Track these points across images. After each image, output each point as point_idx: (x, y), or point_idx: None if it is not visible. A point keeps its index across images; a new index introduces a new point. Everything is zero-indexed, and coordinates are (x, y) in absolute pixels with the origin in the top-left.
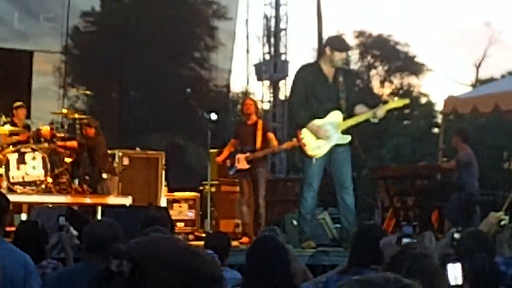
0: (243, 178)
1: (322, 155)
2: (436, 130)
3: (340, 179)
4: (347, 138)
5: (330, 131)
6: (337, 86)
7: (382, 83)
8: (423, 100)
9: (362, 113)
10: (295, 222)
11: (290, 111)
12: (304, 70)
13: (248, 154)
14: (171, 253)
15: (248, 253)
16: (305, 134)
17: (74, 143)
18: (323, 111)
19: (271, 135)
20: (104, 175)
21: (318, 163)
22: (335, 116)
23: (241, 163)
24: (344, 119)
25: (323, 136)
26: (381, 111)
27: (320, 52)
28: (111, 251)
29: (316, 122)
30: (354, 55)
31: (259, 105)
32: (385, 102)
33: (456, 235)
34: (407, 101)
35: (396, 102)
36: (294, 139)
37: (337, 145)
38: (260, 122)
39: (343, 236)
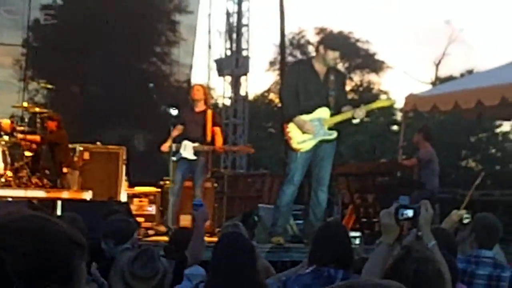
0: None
1: (307, 150)
2: (395, 127)
3: (319, 175)
4: (334, 134)
5: (317, 126)
6: (328, 84)
7: None
8: (383, 97)
9: (347, 111)
10: (257, 218)
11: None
12: (296, 65)
13: (197, 144)
14: (24, 221)
15: (214, 249)
16: (292, 128)
17: (36, 137)
18: (312, 106)
19: (217, 129)
20: (65, 169)
21: (303, 158)
22: (323, 112)
23: (188, 151)
24: (332, 115)
25: (309, 130)
26: (361, 112)
27: (314, 49)
28: None
29: (303, 117)
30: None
31: (221, 101)
32: (369, 102)
33: (420, 233)
34: (392, 101)
35: (382, 102)
36: (249, 145)
37: (322, 141)
38: (209, 113)
39: (307, 231)
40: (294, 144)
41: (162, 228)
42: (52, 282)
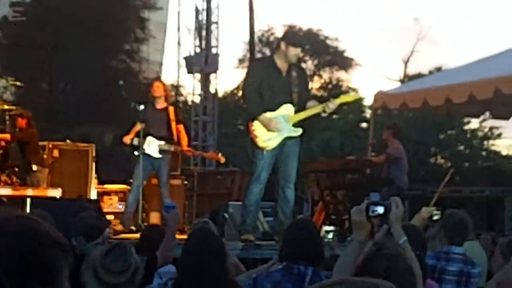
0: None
1: (273, 147)
2: (364, 124)
3: (285, 172)
4: (299, 131)
5: (282, 123)
6: (290, 80)
7: (311, 77)
8: (352, 93)
9: (314, 107)
10: (226, 215)
11: (243, 103)
12: (258, 63)
13: (163, 143)
14: (9, 220)
15: (184, 247)
16: (257, 126)
17: (6, 136)
18: (275, 103)
19: (181, 127)
20: (35, 167)
21: (269, 156)
22: (287, 109)
23: (152, 148)
24: (296, 112)
25: (275, 128)
26: (332, 105)
27: (275, 47)
28: None
29: (268, 114)
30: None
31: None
32: (336, 96)
33: (390, 230)
34: (359, 95)
35: (348, 97)
36: (219, 154)
37: (287, 138)
38: (171, 110)
39: (277, 228)
40: (260, 142)
41: (119, 227)
42: (40, 284)
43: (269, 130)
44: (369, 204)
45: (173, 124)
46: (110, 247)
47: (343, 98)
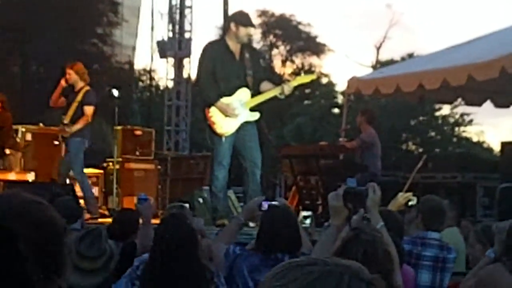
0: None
1: (232, 133)
2: (336, 110)
3: (249, 155)
4: (256, 115)
5: (239, 108)
6: (244, 63)
7: (283, 62)
8: (324, 80)
9: (269, 90)
10: (201, 200)
11: (198, 89)
12: (211, 47)
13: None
14: (30, 209)
15: (156, 231)
16: (214, 113)
17: None
18: (231, 88)
19: (86, 109)
20: (7, 151)
21: (228, 141)
22: (243, 93)
23: (62, 129)
24: (252, 96)
25: (232, 114)
26: (288, 87)
27: (225, 28)
28: None
29: (224, 100)
30: (256, 34)
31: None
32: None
33: (367, 214)
34: (313, 76)
35: (303, 78)
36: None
37: (244, 123)
38: (82, 92)
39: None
40: (218, 128)
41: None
42: (53, 272)
43: (226, 116)
44: (347, 189)
45: (74, 105)
46: (85, 232)
47: (299, 80)
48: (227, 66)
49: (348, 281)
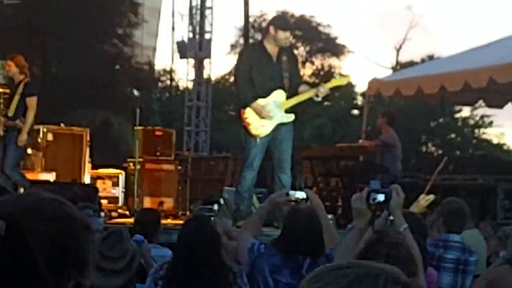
0: None
1: (266, 134)
2: (355, 111)
3: (280, 159)
4: (291, 117)
5: (274, 110)
6: (281, 65)
7: (303, 63)
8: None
9: (305, 92)
10: (222, 201)
11: (234, 90)
12: (248, 50)
13: (1, 118)
14: (43, 205)
15: (179, 234)
16: (249, 114)
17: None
18: (267, 90)
19: (28, 100)
20: (29, 150)
21: (262, 142)
22: (278, 95)
23: (7, 122)
24: (287, 98)
25: (267, 115)
26: (323, 89)
27: (264, 32)
28: None
29: (260, 101)
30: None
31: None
32: (326, 81)
33: (391, 217)
34: (348, 78)
35: (338, 80)
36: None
37: (279, 124)
38: (22, 83)
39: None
40: (253, 130)
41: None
42: (73, 267)
43: (261, 117)
44: (370, 191)
45: (16, 98)
46: (107, 234)
47: (334, 82)
48: (264, 68)
49: (383, 284)
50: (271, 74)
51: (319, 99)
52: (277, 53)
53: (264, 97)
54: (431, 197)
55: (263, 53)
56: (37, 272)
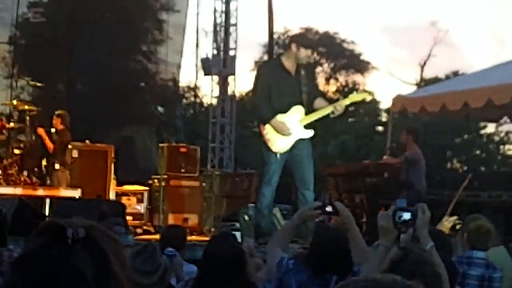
0: None
1: (286, 151)
2: (380, 128)
3: (302, 176)
4: (310, 133)
5: (293, 126)
6: (299, 80)
7: (327, 80)
8: (368, 98)
9: (323, 107)
10: (246, 218)
11: (253, 107)
12: (266, 65)
13: None
14: (97, 225)
15: (205, 251)
16: (269, 130)
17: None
18: (285, 104)
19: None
20: (57, 166)
21: (281, 158)
22: (297, 111)
23: None
24: (306, 113)
25: (286, 132)
26: (340, 107)
27: (285, 48)
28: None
29: (279, 117)
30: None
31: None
32: (345, 96)
33: (415, 234)
34: (367, 94)
35: (356, 96)
36: None
37: (299, 140)
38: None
39: (301, 232)
40: (273, 146)
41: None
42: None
43: (281, 133)
44: (396, 209)
45: None
46: (140, 248)
47: (352, 98)
48: (282, 83)
49: None
50: (290, 89)
51: (337, 114)
52: (295, 68)
53: (283, 112)
54: (454, 218)
55: (281, 69)
56: (114, 277)
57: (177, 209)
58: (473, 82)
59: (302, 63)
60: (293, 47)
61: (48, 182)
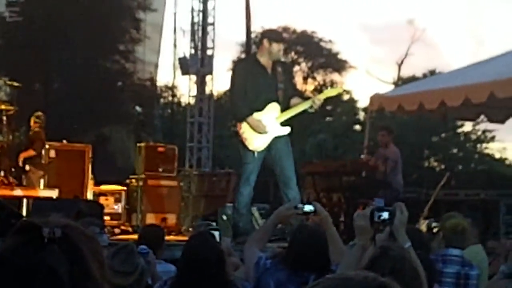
0: None
1: (263, 149)
2: (357, 127)
3: (282, 174)
4: (287, 130)
5: (269, 124)
6: (276, 77)
7: (305, 79)
8: (346, 97)
9: (299, 104)
10: (225, 217)
11: (230, 105)
12: (242, 63)
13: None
14: (76, 225)
15: (184, 250)
16: (245, 128)
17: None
18: (261, 102)
19: None
20: (27, 167)
21: (258, 157)
22: (273, 108)
23: None
24: (282, 110)
25: (263, 130)
26: (318, 101)
27: (257, 45)
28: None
29: (256, 116)
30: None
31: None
32: (319, 92)
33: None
34: (340, 89)
35: (330, 91)
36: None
37: (276, 138)
38: None
39: (286, 230)
40: (250, 145)
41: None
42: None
43: (257, 131)
44: (374, 209)
45: None
46: (117, 249)
47: (327, 93)
48: (258, 80)
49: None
50: (266, 86)
51: (313, 110)
52: (271, 66)
53: (259, 109)
54: (430, 221)
55: (257, 65)
56: (91, 277)
57: (155, 209)
58: (450, 81)
59: (278, 59)
60: (265, 42)
61: (24, 183)
